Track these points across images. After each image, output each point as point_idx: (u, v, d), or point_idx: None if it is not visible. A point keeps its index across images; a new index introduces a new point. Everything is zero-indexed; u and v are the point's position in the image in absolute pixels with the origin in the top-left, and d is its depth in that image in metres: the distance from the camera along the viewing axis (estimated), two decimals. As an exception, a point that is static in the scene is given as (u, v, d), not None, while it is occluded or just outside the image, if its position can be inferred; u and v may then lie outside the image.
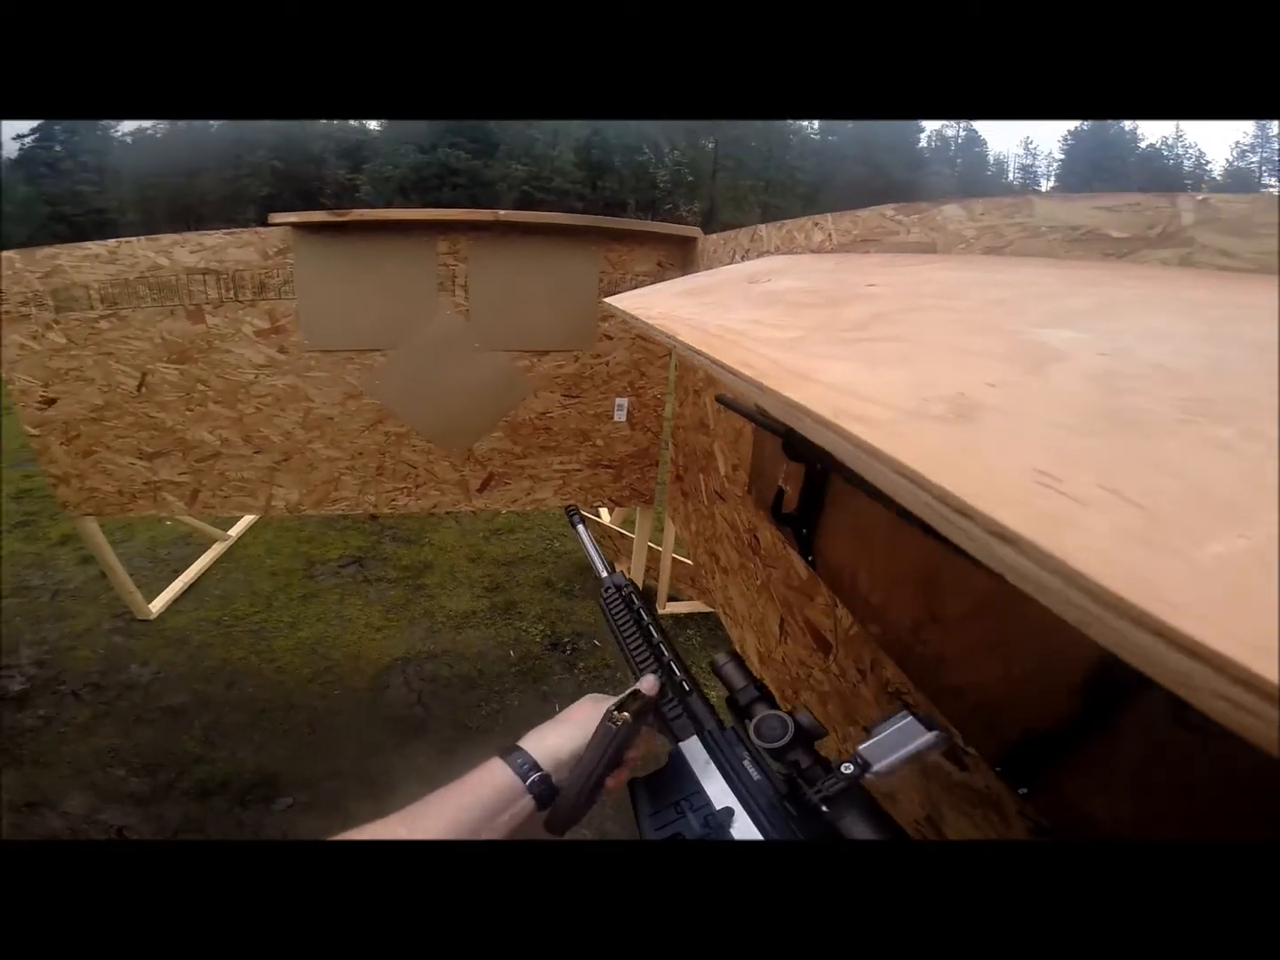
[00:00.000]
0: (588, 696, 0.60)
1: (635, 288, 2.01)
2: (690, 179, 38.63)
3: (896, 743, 0.46)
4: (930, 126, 47.09)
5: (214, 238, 1.95)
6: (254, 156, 34.42)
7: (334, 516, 3.34)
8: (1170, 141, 45.11)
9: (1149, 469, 0.20)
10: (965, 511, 0.21)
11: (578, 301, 2.09)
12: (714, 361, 0.47)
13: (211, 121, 35.11)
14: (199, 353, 2.05)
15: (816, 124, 44.21)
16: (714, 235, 1.85)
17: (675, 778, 0.54)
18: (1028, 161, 51.23)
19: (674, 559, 2.67)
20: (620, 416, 2.28)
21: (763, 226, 1.41)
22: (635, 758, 0.57)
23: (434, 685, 2.31)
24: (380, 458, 2.25)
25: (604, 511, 3.34)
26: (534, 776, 0.51)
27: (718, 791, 0.50)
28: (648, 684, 0.60)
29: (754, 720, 0.53)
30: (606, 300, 1.22)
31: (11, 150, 34.46)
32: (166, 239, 1.95)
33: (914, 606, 0.78)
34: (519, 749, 0.54)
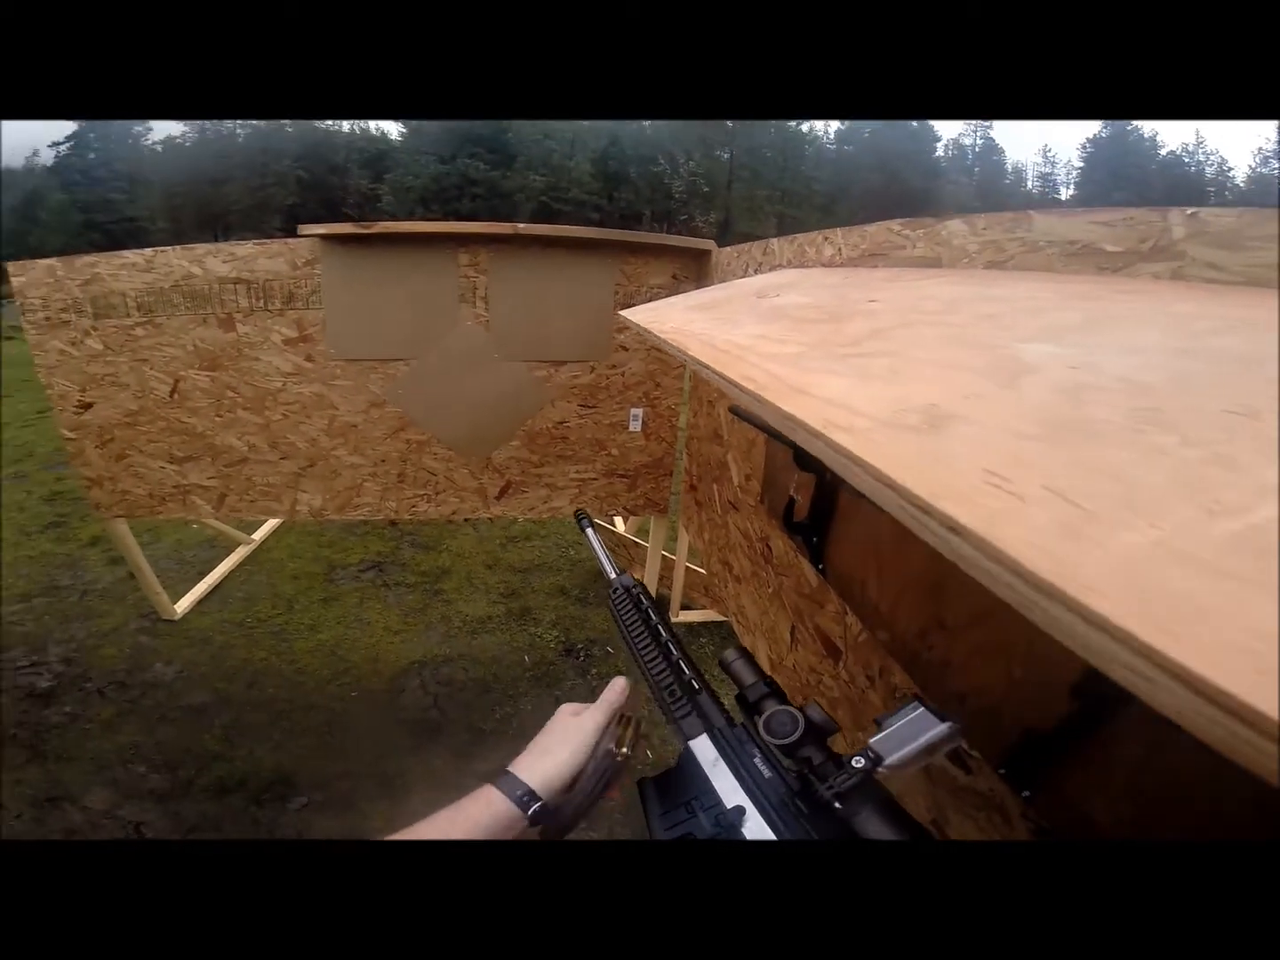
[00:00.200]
0: (564, 708, 0.60)
1: (651, 299, 2.05)
2: (706, 189, 38.79)
3: (909, 735, 0.44)
4: (946, 135, 46.84)
5: (245, 248, 2.01)
6: (279, 166, 35.09)
7: (355, 522, 3.42)
8: (1191, 148, 44.53)
9: (1090, 472, 0.23)
10: (924, 509, 0.24)
11: (594, 313, 2.13)
12: (720, 375, 0.50)
13: (238, 130, 35.85)
14: (229, 360, 2.11)
15: (832, 133, 44.20)
16: (727, 249, 1.88)
17: (685, 777, 0.53)
18: (1047, 170, 50.72)
19: (687, 568, 2.69)
20: (635, 426, 2.30)
21: (775, 240, 1.44)
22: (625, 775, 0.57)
23: (449, 688, 2.35)
24: (402, 465, 2.29)
25: (618, 520, 3.37)
26: (535, 807, 0.51)
27: (728, 790, 0.49)
28: (618, 687, 0.60)
29: (763, 716, 0.52)
30: (622, 313, 1.25)
31: (48, 158, 35.45)
32: (200, 249, 2.02)
33: (921, 613, 0.80)
34: (513, 777, 0.53)
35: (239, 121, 36.21)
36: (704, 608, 2.79)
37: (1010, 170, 49.90)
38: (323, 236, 1.97)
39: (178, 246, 2.03)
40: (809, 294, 0.81)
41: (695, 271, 2.13)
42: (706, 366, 0.53)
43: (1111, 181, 41.50)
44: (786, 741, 0.49)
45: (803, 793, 0.47)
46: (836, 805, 0.44)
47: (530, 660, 2.52)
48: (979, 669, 0.70)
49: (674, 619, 2.71)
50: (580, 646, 2.60)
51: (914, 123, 41.44)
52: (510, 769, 0.54)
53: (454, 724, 2.18)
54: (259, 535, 3.37)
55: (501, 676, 2.41)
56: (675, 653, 0.65)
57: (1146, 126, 43.93)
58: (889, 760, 0.44)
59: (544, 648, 2.60)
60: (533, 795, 0.52)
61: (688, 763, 0.54)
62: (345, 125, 39.04)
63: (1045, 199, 48.19)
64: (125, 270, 2.02)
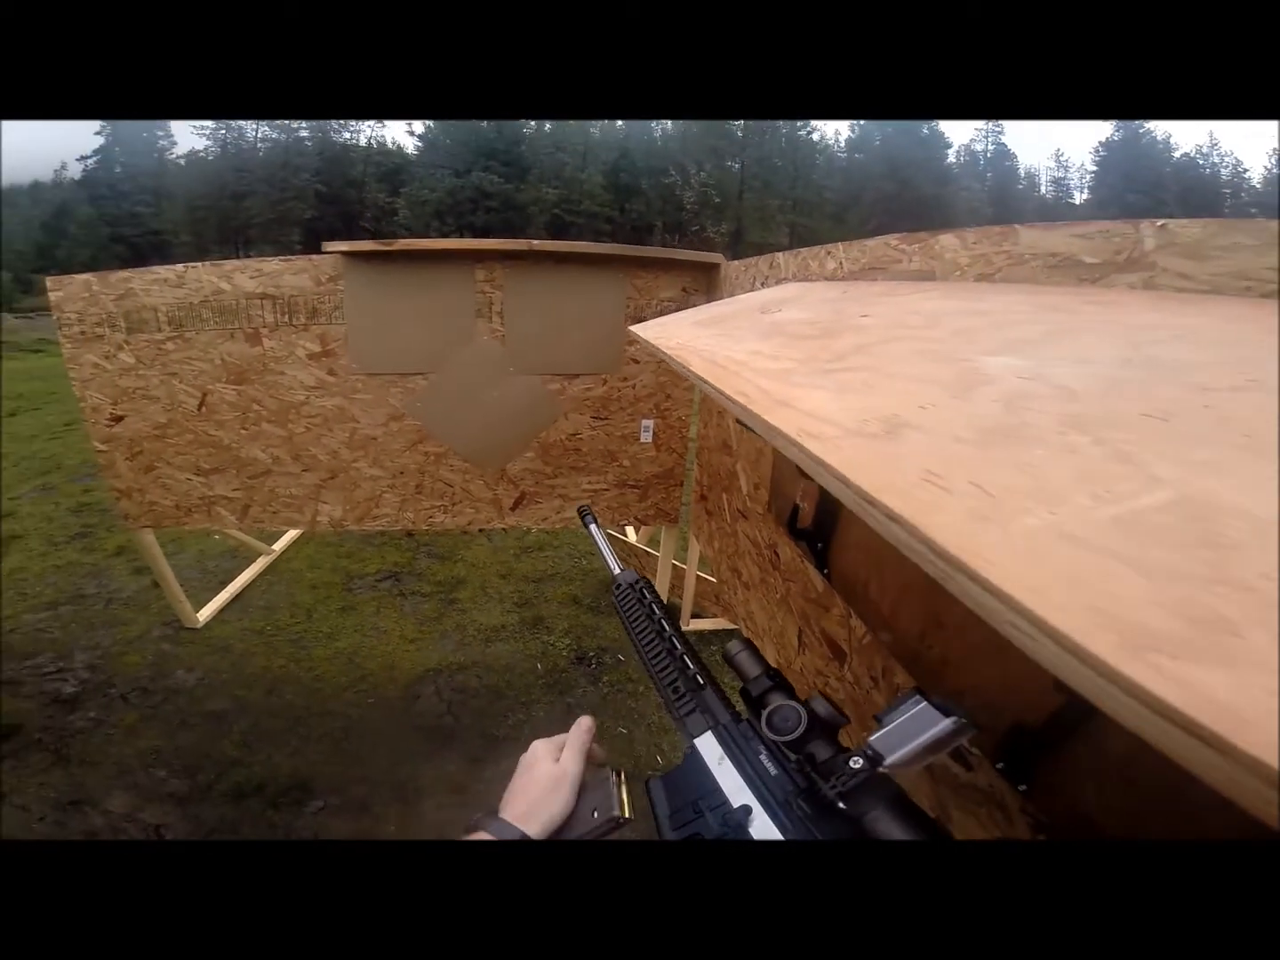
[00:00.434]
0: (537, 744, 0.58)
1: (661, 312, 2.09)
2: (717, 200, 38.91)
3: (910, 731, 0.42)
4: (958, 141, 46.76)
5: (272, 264, 2.06)
6: (298, 180, 35.68)
7: (372, 533, 3.46)
8: (1205, 150, 44.05)
9: (1009, 468, 0.27)
10: (870, 501, 0.28)
11: (606, 327, 2.16)
12: (718, 390, 0.55)
13: (259, 145, 36.53)
14: (255, 374, 2.17)
15: (843, 141, 44.29)
16: (735, 262, 1.92)
17: (692, 775, 0.52)
18: (1060, 174, 50.45)
19: (698, 576, 2.71)
20: (646, 438, 2.34)
21: (780, 255, 1.49)
22: None
23: (463, 696, 2.37)
24: (420, 476, 2.33)
25: (630, 530, 3.41)
26: None
27: (734, 788, 0.48)
28: (585, 726, 0.59)
29: (766, 712, 0.50)
30: (631, 329, 1.30)
31: (75, 171, 36.35)
32: (229, 265, 2.08)
33: (920, 613, 0.83)
34: (507, 824, 0.51)
35: (259, 135, 37.05)
36: (715, 615, 2.82)
37: (1023, 175, 49.69)
38: (346, 253, 2.02)
39: (207, 262, 2.09)
40: (808, 309, 0.85)
41: (705, 284, 2.17)
42: (706, 382, 0.57)
43: (1125, 185, 41.10)
44: (789, 738, 0.48)
45: (808, 791, 0.45)
46: (841, 805, 0.42)
47: (543, 668, 2.54)
48: (976, 666, 0.73)
49: (685, 627, 2.73)
50: (592, 655, 2.62)
51: (924, 129, 41.31)
52: (505, 816, 0.52)
53: (467, 730, 2.20)
54: (279, 546, 3.43)
55: (514, 684, 2.44)
56: (679, 647, 0.63)
57: (1160, 129, 43.56)
58: (890, 759, 0.42)
59: (556, 656, 2.62)
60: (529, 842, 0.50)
61: (694, 761, 0.53)
62: (362, 139, 39.71)
63: (1059, 204, 47.88)
64: (157, 285, 2.08)
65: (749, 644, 0.58)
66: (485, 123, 37.65)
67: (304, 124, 37.48)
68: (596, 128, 42.51)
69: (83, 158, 36.25)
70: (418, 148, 39.95)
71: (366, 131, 39.95)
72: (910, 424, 0.34)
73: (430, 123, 38.72)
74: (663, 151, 40.33)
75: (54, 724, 2.19)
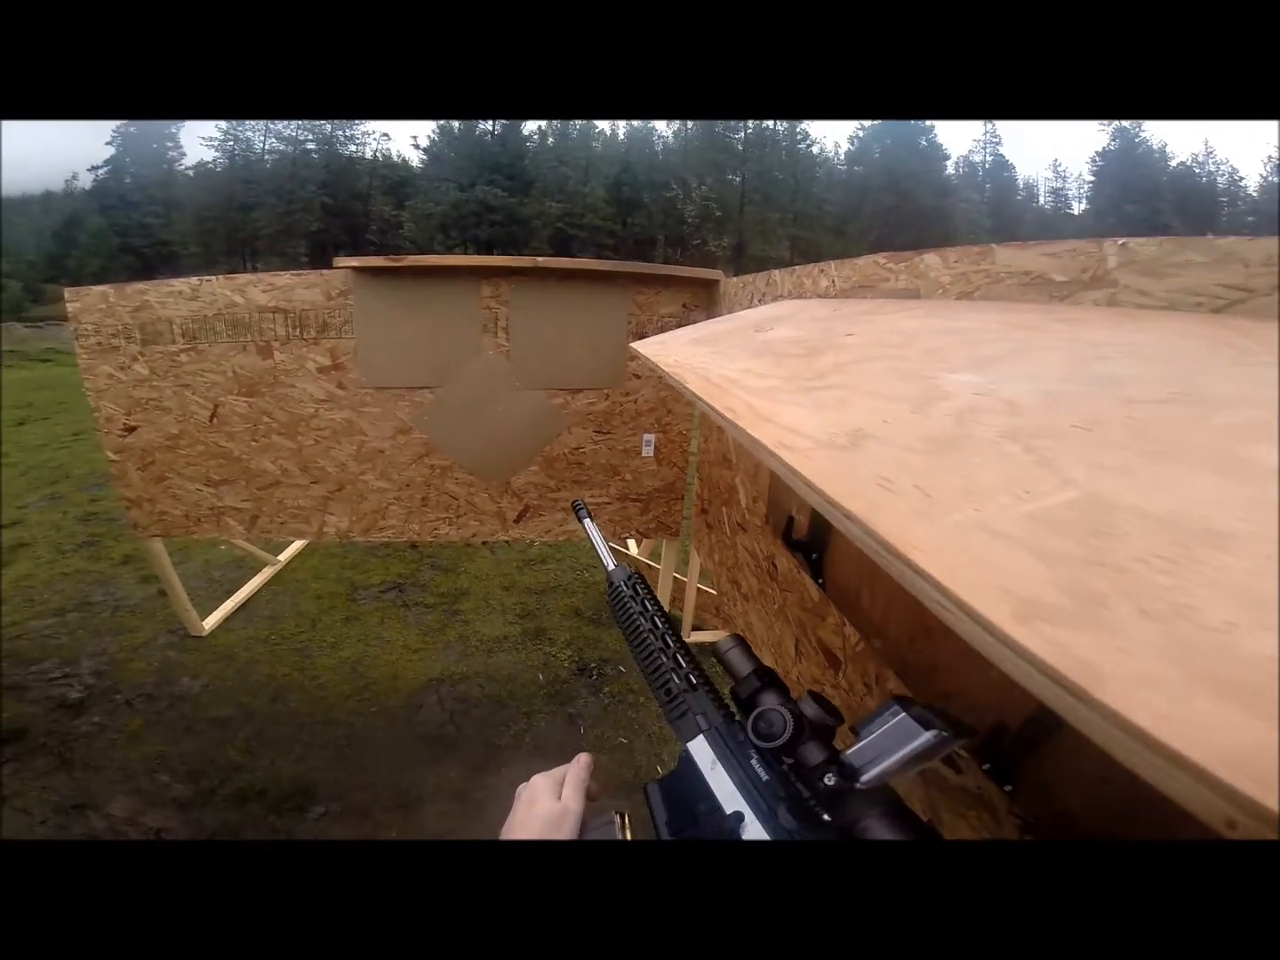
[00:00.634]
0: (537, 779, 0.56)
1: (663, 328, 2.13)
2: (718, 214, 39.23)
3: (888, 745, 0.40)
4: (956, 153, 47.02)
5: (284, 278, 2.10)
6: (305, 192, 36.05)
7: (377, 545, 3.50)
8: (1201, 158, 44.29)
9: (949, 474, 0.31)
10: (832, 504, 0.32)
11: (608, 342, 2.20)
12: (709, 406, 0.59)
13: (266, 156, 36.94)
14: (266, 387, 2.20)
15: (842, 153, 44.65)
16: (734, 279, 1.97)
17: (686, 781, 0.50)
18: (1058, 184, 50.73)
19: (699, 589, 2.74)
20: (648, 452, 2.36)
21: (777, 272, 1.54)
22: None
23: (465, 705, 2.40)
24: (425, 489, 2.36)
25: (631, 543, 3.44)
26: None
27: (727, 794, 0.46)
28: (584, 763, 0.57)
29: (751, 716, 0.48)
30: (633, 345, 1.34)
31: (86, 181, 36.78)
32: (242, 278, 2.12)
33: (909, 620, 0.86)
34: None
35: (267, 147, 37.52)
36: (715, 628, 2.84)
37: (1022, 186, 50.00)
38: (356, 268, 2.07)
39: (221, 276, 2.13)
40: (799, 327, 0.89)
41: (705, 300, 2.20)
42: (700, 399, 0.61)
43: (1122, 195, 41.31)
44: (774, 745, 0.46)
45: (794, 800, 0.43)
46: (826, 818, 0.41)
47: (544, 678, 2.57)
48: (961, 670, 0.75)
49: (686, 639, 2.75)
50: (593, 666, 2.65)
51: (923, 141, 41.62)
52: None
53: (469, 739, 2.22)
54: (284, 556, 3.47)
55: (516, 694, 2.46)
56: (672, 645, 0.61)
57: (1155, 138, 43.81)
58: (866, 776, 0.40)
59: (558, 666, 2.65)
60: None
61: (687, 766, 0.51)
62: (368, 152, 40.20)
63: (1058, 214, 48.18)
64: (173, 298, 2.12)
65: (740, 641, 0.56)
66: (490, 137, 38.13)
67: (311, 136, 38.00)
68: (599, 142, 43.03)
69: (94, 168, 36.79)
70: (423, 161, 40.45)
71: (372, 145, 40.53)
72: (873, 436, 0.38)
73: (435, 136, 39.22)
74: (664, 165, 40.78)
75: (58, 728, 2.21)
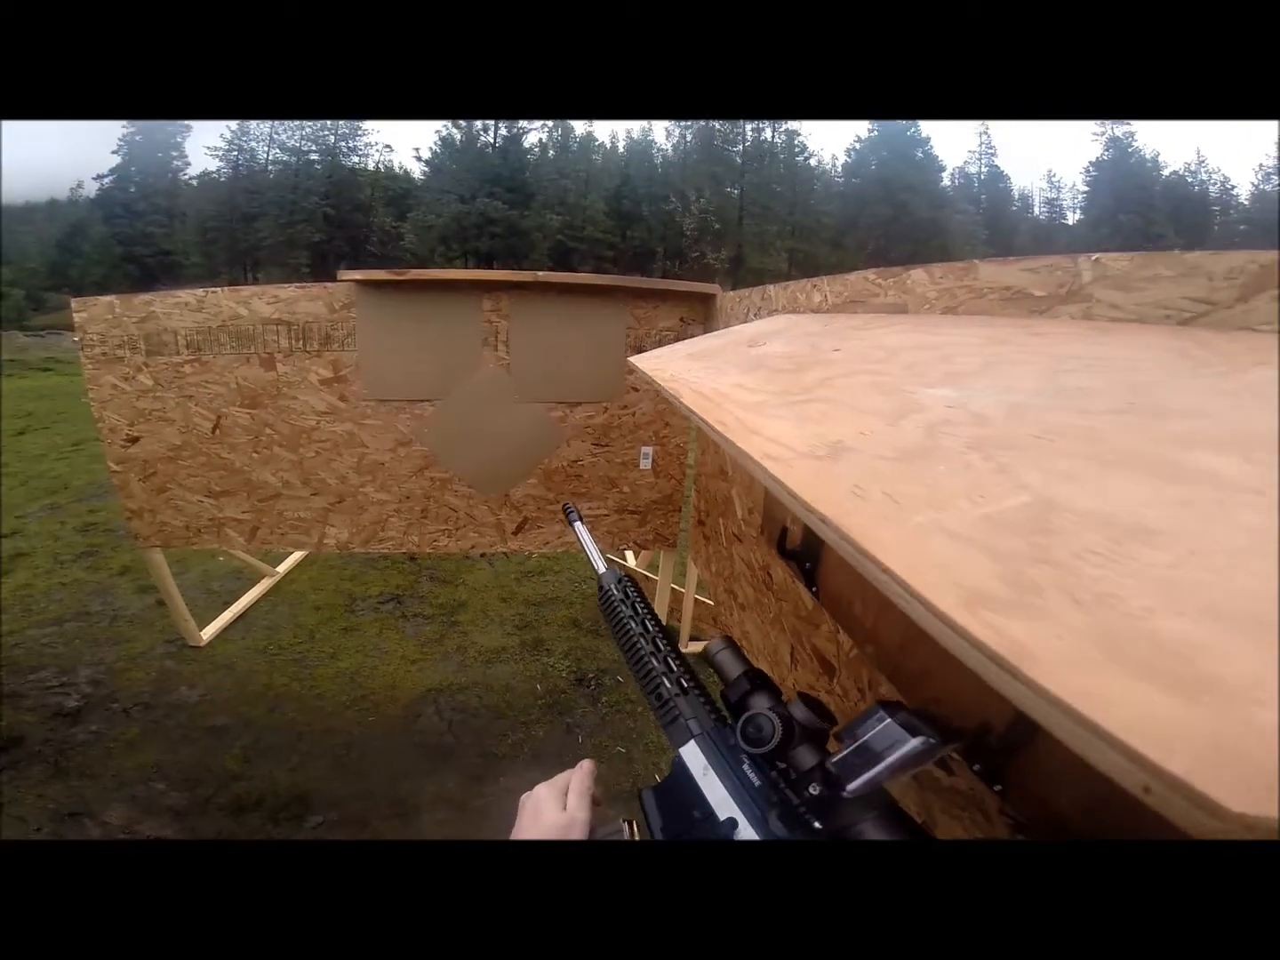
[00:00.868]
0: (540, 789, 0.55)
1: (660, 342, 2.16)
2: (717, 226, 39.51)
3: (874, 753, 0.39)
4: (952, 164, 47.37)
5: (288, 290, 2.13)
6: (308, 203, 36.25)
7: (375, 556, 3.51)
8: (1193, 167, 44.64)
9: (915, 482, 0.34)
10: (810, 510, 0.34)
11: (607, 356, 2.23)
12: (702, 419, 0.61)
13: (269, 167, 37.18)
14: (269, 399, 2.22)
15: (839, 166, 45.04)
16: (730, 293, 2.00)
17: (680, 786, 0.50)
18: (1052, 195, 51.06)
19: (696, 600, 2.75)
20: (645, 464, 2.38)
21: (771, 287, 1.57)
22: None
23: (464, 715, 2.40)
24: (425, 501, 2.37)
25: (629, 555, 3.45)
26: None
27: (719, 800, 0.46)
28: (587, 769, 0.56)
29: (739, 721, 0.48)
30: (631, 360, 1.36)
31: (91, 189, 37.01)
32: (246, 290, 2.15)
33: (900, 625, 0.87)
34: None
35: (270, 158, 37.78)
36: (712, 638, 2.84)
37: (1017, 197, 50.34)
38: (359, 281, 2.09)
39: (226, 288, 2.16)
40: (790, 343, 0.92)
41: (702, 314, 2.23)
42: (693, 412, 0.63)
43: (1116, 204, 41.59)
44: (763, 750, 0.45)
45: (784, 807, 0.42)
46: (817, 825, 0.40)
47: (542, 689, 2.57)
48: (951, 673, 0.76)
49: (683, 650, 2.75)
50: (591, 676, 2.66)
51: (919, 153, 41.99)
52: None
53: (467, 749, 2.23)
54: (283, 568, 3.48)
55: (514, 704, 2.47)
56: (663, 650, 0.61)
57: (1148, 147, 44.16)
58: (852, 785, 0.39)
59: (556, 677, 2.65)
60: None
61: (680, 772, 0.51)
62: (370, 164, 40.48)
63: (1053, 224, 48.51)
64: (178, 309, 2.14)
65: (730, 643, 0.56)
66: (491, 149, 38.43)
67: (314, 146, 38.28)
68: (599, 154, 43.42)
69: (99, 176, 37.04)
70: (424, 173, 40.76)
71: (375, 156, 40.85)
72: (850, 447, 0.41)
73: (437, 148, 39.52)
74: (663, 178, 41.12)
75: (55, 737, 2.21)
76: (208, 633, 2.83)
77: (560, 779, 0.56)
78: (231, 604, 3.09)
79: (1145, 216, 40.29)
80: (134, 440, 2.28)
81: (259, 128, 37.82)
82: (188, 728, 2.29)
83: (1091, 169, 45.17)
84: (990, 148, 48.23)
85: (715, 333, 1.63)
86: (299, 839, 1.83)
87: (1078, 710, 0.17)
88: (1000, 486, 0.30)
